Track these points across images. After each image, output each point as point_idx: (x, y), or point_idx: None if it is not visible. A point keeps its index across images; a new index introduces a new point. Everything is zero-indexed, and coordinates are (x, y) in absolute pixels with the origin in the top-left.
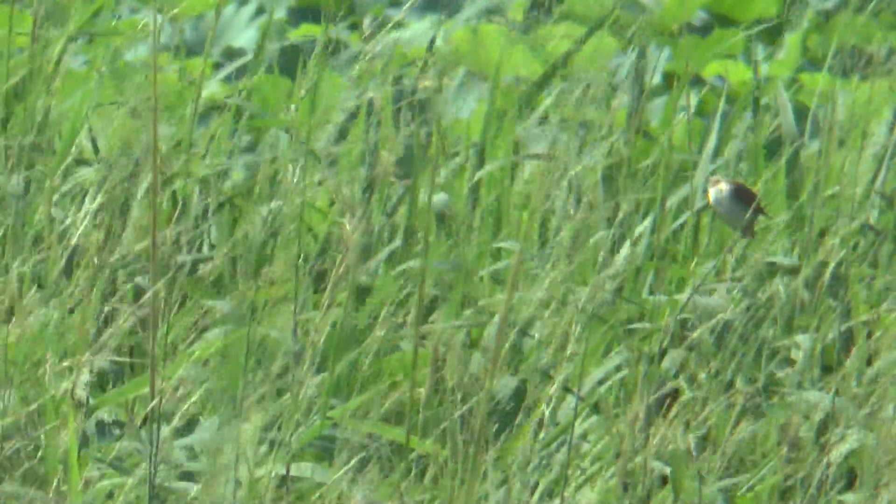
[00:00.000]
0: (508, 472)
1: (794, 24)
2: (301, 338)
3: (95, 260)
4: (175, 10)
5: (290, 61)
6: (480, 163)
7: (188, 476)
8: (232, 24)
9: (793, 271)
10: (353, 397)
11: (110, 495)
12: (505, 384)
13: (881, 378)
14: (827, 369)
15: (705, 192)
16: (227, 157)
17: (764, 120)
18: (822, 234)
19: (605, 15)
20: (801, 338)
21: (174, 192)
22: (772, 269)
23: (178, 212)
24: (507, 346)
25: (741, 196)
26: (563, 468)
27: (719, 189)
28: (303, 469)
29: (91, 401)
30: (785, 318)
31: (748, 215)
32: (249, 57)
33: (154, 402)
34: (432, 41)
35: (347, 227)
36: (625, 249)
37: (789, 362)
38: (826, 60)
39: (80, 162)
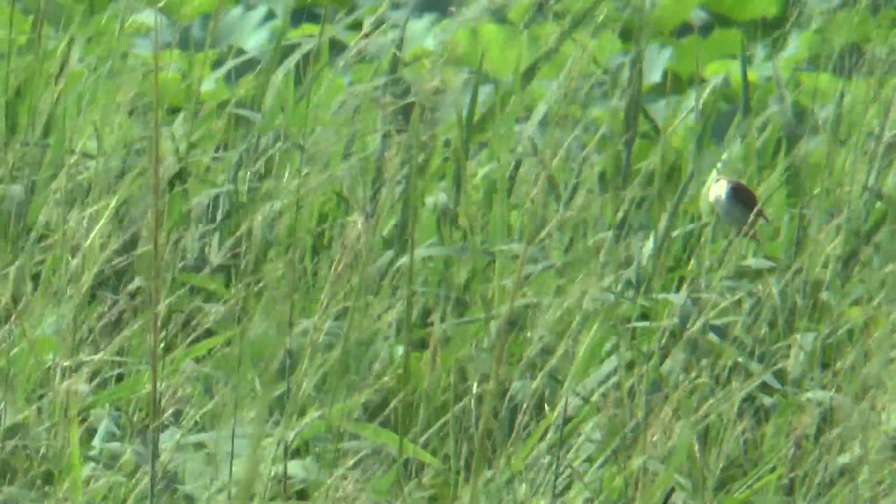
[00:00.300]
0: (504, 474)
1: (797, 23)
2: (298, 337)
3: (98, 259)
4: (161, 3)
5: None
6: (459, 162)
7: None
8: (241, 26)
9: (783, 271)
10: (352, 397)
11: (111, 495)
12: (521, 387)
13: (874, 378)
14: (822, 369)
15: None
16: (232, 161)
17: (769, 119)
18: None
19: (587, 11)
20: (802, 336)
21: (182, 193)
22: (770, 269)
23: (181, 213)
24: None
25: (739, 196)
26: (557, 467)
27: (719, 188)
28: (301, 468)
29: (91, 397)
30: (784, 318)
31: (750, 216)
32: (247, 56)
33: (155, 403)
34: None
35: (358, 225)
36: (647, 248)
37: (786, 362)
38: (826, 60)
39: (83, 160)
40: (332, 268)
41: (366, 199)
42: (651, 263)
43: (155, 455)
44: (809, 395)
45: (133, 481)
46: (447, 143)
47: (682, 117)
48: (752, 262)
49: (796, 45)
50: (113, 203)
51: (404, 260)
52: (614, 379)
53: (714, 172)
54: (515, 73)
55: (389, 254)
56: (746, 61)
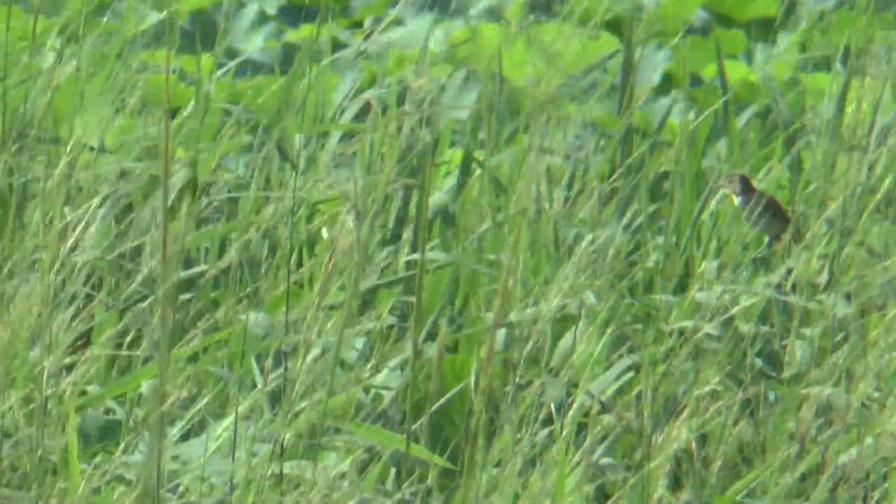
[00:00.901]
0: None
1: (792, 23)
2: (294, 335)
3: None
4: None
5: (289, 61)
6: (466, 164)
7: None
8: (234, 26)
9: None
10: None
11: (110, 496)
12: (552, 390)
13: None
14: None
15: (720, 188)
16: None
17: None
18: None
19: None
20: (807, 331)
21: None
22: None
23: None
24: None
25: (770, 207)
26: (555, 466)
27: (747, 199)
28: (296, 467)
29: (89, 395)
30: (780, 317)
31: (754, 215)
32: (246, 56)
33: (161, 400)
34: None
35: (349, 224)
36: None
37: (785, 360)
38: (825, 59)
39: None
40: (322, 266)
41: (356, 197)
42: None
43: (159, 454)
44: (812, 389)
45: (133, 481)
46: (452, 144)
47: (673, 114)
48: (757, 287)
49: (794, 45)
50: (97, 202)
51: (408, 259)
52: (615, 385)
53: (729, 175)
54: (486, 76)
55: (385, 254)
56: (748, 61)
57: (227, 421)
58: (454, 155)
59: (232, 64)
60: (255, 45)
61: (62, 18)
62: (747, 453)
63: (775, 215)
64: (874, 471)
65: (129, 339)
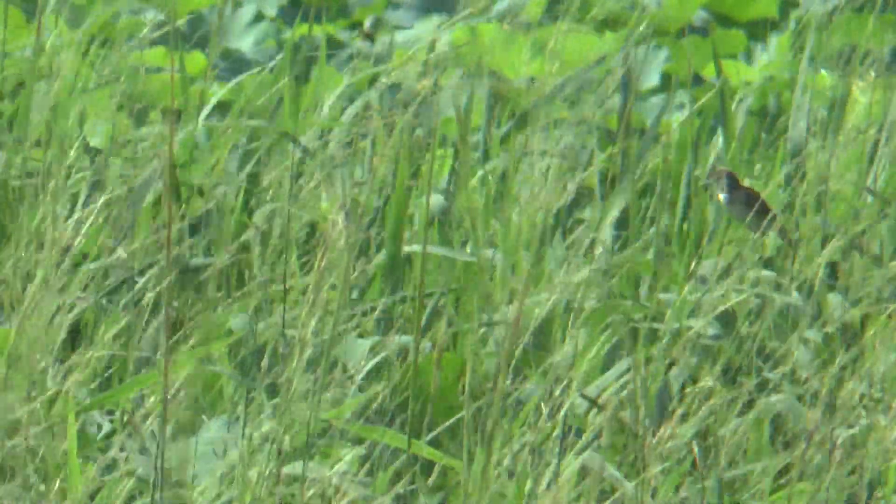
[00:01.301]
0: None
1: (784, 25)
2: (289, 335)
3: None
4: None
5: (290, 62)
6: (460, 163)
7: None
8: (230, 26)
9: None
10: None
11: (109, 496)
12: (529, 390)
13: (874, 377)
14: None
15: (709, 188)
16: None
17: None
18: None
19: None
20: (808, 332)
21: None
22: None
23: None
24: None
25: (753, 203)
26: (555, 467)
27: (731, 197)
28: (297, 468)
29: (89, 398)
30: (781, 319)
31: (752, 211)
32: (246, 56)
33: (165, 402)
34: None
35: (339, 223)
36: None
37: (784, 361)
38: (826, 60)
39: (82, 159)
40: (315, 265)
41: (345, 197)
42: (653, 262)
43: (162, 454)
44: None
45: (132, 481)
46: (453, 144)
47: (683, 116)
48: (764, 273)
49: (784, 46)
50: (97, 201)
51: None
52: (614, 384)
53: (713, 169)
54: (478, 73)
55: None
56: (748, 60)
57: (222, 420)
58: (449, 155)
59: (246, 74)
60: (250, 45)
61: (61, 19)
62: (748, 453)
63: (758, 210)
64: (875, 471)
65: (123, 337)
